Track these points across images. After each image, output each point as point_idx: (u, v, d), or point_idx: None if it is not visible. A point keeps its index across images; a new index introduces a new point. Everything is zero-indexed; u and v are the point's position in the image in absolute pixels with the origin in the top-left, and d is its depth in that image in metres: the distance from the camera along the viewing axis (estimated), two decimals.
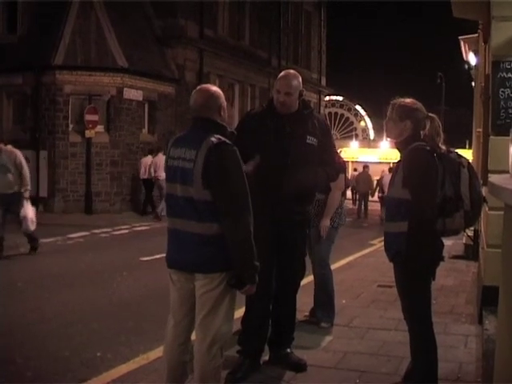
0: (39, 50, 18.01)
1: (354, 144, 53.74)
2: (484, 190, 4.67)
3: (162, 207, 16.07)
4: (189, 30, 21.34)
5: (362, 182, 23.86)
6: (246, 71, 25.26)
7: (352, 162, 41.44)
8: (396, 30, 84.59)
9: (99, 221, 16.32)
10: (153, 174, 17.94)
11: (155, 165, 17.67)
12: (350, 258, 11.03)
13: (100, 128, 18.38)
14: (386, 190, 14.75)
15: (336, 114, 61.11)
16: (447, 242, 4.15)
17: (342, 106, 61.89)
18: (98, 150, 18.42)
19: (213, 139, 3.41)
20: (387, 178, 17.98)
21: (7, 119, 19.19)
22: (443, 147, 4.01)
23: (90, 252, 11.31)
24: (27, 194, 10.32)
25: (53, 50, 17.93)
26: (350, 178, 26.98)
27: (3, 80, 18.61)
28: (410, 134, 4.01)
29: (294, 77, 4.65)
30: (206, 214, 3.41)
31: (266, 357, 4.87)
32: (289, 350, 4.88)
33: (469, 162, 3.96)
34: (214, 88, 3.68)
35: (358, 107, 61.84)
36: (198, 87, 3.72)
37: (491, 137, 5.96)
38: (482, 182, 4.71)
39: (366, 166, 25.37)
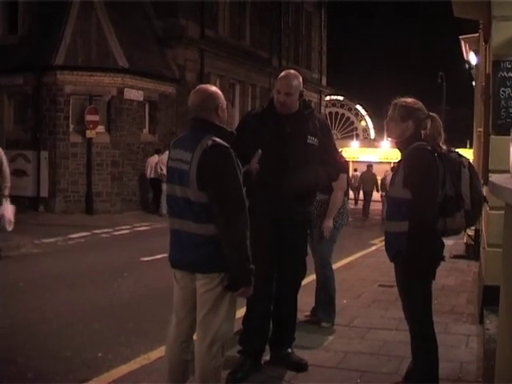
0: (40, 51, 18.02)
1: (354, 144, 53.71)
2: (485, 190, 4.67)
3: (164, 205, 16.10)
4: (189, 31, 21.34)
5: (367, 181, 24.20)
6: (247, 71, 25.26)
7: (353, 161, 41.40)
8: (396, 29, 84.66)
9: (100, 221, 16.33)
10: (159, 172, 17.95)
11: (162, 163, 17.68)
12: (351, 257, 11.03)
13: (101, 128, 18.37)
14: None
15: (337, 113, 61.14)
16: (448, 241, 4.16)
17: (342, 106, 61.91)
18: (98, 150, 18.41)
19: (208, 141, 3.41)
20: (390, 177, 18.01)
21: (8, 119, 19.20)
22: (444, 147, 4.01)
23: (90, 252, 11.31)
24: (7, 192, 9.96)
25: (53, 51, 17.93)
26: (350, 177, 27.06)
27: (4, 80, 18.61)
28: (411, 134, 4.02)
29: (295, 77, 4.65)
30: (202, 215, 3.42)
31: (266, 357, 4.87)
32: (290, 350, 4.88)
33: (469, 162, 3.96)
34: (213, 88, 3.68)
35: (358, 107, 61.86)
36: (197, 87, 3.73)
37: (492, 136, 5.96)
38: (482, 181, 4.71)
39: (369, 166, 25.64)
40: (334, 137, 5.80)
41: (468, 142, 35.18)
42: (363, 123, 62.26)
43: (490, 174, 5.49)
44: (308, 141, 4.63)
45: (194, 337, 3.67)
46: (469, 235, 10.62)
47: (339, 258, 9.45)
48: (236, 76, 24.65)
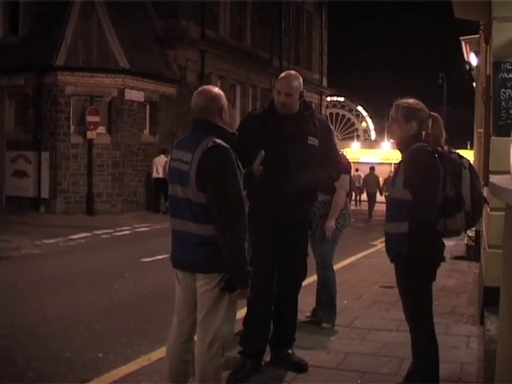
0: (41, 51, 18.01)
1: (355, 145, 53.72)
2: (485, 191, 4.67)
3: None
4: (190, 31, 21.34)
5: (370, 183, 24.73)
6: (248, 72, 25.26)
7: (353, 162, 41.34)
8: (397, 30, 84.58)
9: (100, 222, 16.33)
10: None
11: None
12: (352, 258, 11.03)
13: (101, 129, 18.37)
14: None
15: (337, 114, 61.10)
16: (449, 242, 4.16)
17: (343, 107, 61.88)
18: (99, 151, 18.41)
19: (208, 142, 3.41)
20: None
21: (9, 120, 19.19)
22: (445, 147, 4.01)
23: (91, 253, 11.31)
24: None
25: (54, 51, 17.93)
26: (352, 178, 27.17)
27: (5, 81, 18.62)
28: (412, 135, 4.01)
29: (295, 78, 4.65)
30: (201, 216, 3.42)
31: (267, 357, 4.87)
32: (290, 351, 4.89)
33: (470, 163, 3.96)
34: (216, 90, 3.67)
35: (359, 108, 61.84)
36: (200, 89, 3.71)
37: (492, 137, 5.96)
38: (483, 182, 4.71)
39: (372, 168, 26.01)
40: (336, 138, 5.80)
41: (468, 143, 35.14)
42: (364, 124, 62.23)
43: (490, 175, 5.49)
44: (308, 141, 4.63)
45: (195, 337, 3.68)
46: (469, 236, 10.61)
47: (340, 258, 9.44)
48: (237, 77, 24.65)
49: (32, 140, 18.44)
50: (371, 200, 24.20)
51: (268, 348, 4.86)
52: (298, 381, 4.60)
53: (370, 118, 62.06)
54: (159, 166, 18.95)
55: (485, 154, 6.76)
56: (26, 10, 19.34)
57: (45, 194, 18.25)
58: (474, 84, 15.54)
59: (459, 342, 5.56)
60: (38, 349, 5.49)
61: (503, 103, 5.87)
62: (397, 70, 66.21)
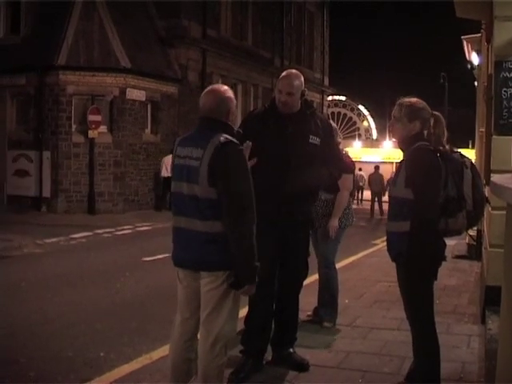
0: (42, 51, 18.03)
1: (357, 144, 53.69)
2: (486, 190, 4.67)
3: None
4: (192, 31, 21.35)
5: (375, 182, 24.98)
6: (249, 71, 25.26)
7: (356, 161, 41.30)
8: (398, 29, 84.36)
9: (102, 221, 16.34)
10: None
11: None
12: (354, 257, 11.03)
13: (103, 128, 18.38)
14: None
15: (339, 113, 61.07)
16: (450, 241, 4.16)
17: (344, 106, 61.86)
18: (100, 150, 18.43)
19: (220, 138, 3.41)
20: None
21: (11, 120, 19.21)
22: (447, 147, 4.00)
23: (92, 252, 11.32)
24: None
25: (56, 51, 17.94)
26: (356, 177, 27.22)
27: (7, 80, 18.65)
28: (414, 134, 4.01)
29: (296, 77, 4.65)
30: (208, 212, 3.42)
31: (268, 357, 4.87)
32: (291, 350, 4.88)
33: (472, 163, 3.96)
34: (229, 93, 3.63)
35: (360, 107, 61.80)
36: (211, 88, 3.68)
37: (494, 136, 5.96)
38: (484, 181, 4.71)
39: (376, 167, 26.24)
40: (339, 137, 5.79)
41: (470, 143, 35.18)
42: (365, 123, 62.19)
43: (491, 175, 5.49)
44: (310, 140, 4.63)
45: (198, 336, 3.68)
46: (471, 235, 10.61)
47: (342, 257, 9.43)
48: (238, 76, 24.65)
49: (34, 139, 18.47)
50: (378, 199, 24.41)
51: (269, 347, 4.86)
52: (300, 380, 4.60)
53: (372, 117, 62.02)
54: (168, 165, 19.00)
55: (486, 153, 6.76)
56: (27, 9, 19.36)
57: (46, 193, 18.28)
58: (476, 83, 15.52)
59: (460, 341, 5.56)
60: (39, 348, 5.49)
61: (505, 102, 5.86)
62: (398, 70, 66.31)
